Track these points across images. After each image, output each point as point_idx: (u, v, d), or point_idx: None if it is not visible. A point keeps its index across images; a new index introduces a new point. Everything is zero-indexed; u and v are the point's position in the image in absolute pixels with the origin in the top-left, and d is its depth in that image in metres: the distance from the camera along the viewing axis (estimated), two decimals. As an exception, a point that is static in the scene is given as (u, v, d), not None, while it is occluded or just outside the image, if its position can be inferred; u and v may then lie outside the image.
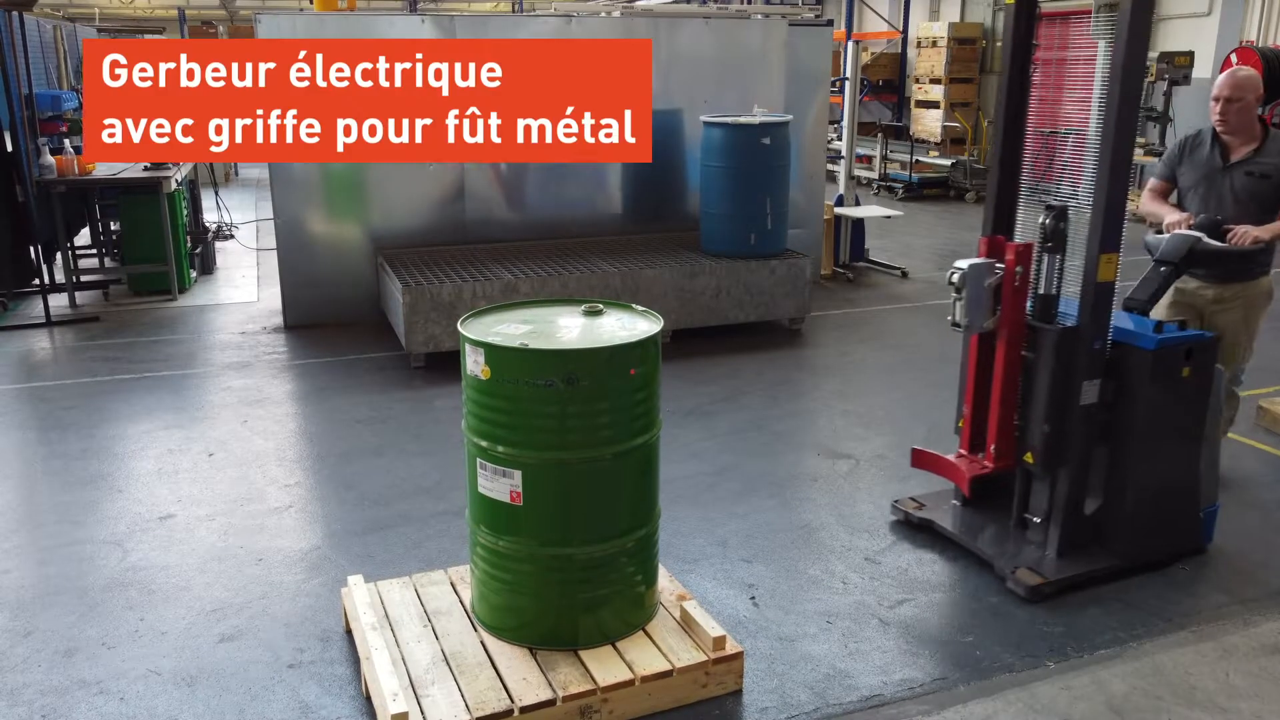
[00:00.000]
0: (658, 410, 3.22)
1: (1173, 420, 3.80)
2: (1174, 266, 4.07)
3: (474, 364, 3.02)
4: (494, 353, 2.98)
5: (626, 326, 3.20)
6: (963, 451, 4.04)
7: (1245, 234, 4.08)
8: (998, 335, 3.79)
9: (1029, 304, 3.80)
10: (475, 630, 3.26)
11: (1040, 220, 3.73)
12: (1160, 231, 4.26)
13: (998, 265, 3.76)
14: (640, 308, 3.35)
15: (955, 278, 3.69)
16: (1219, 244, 4.10)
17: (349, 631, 3.45)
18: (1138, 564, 3.85)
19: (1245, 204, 4.23)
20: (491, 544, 3.16)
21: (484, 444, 3.07)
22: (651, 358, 3.11)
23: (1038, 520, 3.91)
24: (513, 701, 2.91)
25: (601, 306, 3.33)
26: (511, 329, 3.14)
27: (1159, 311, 4.50)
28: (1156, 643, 3.45)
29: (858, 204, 9.69)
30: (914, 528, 4.23)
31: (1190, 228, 4.17)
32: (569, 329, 3.19)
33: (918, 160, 14.25)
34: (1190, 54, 11.49)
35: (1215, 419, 3.94)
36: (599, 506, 3.14)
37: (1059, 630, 3.52)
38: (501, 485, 3.07)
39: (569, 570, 3.14)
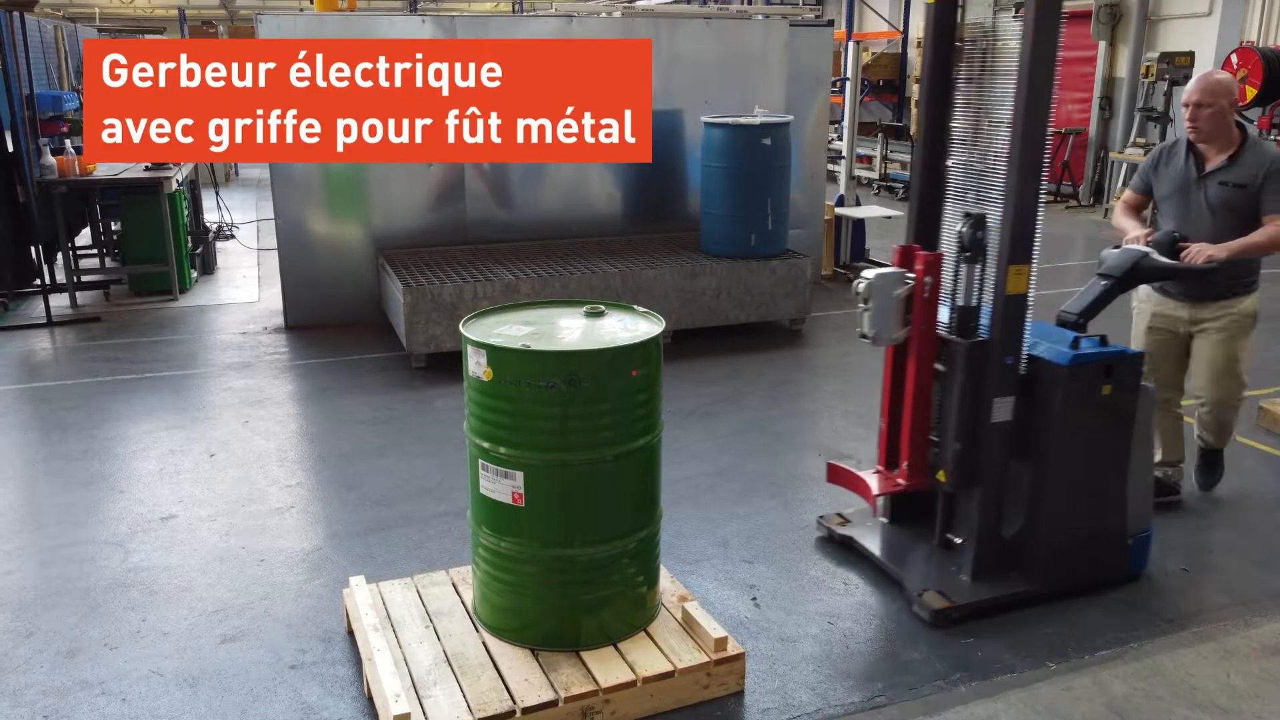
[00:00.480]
0: (659, 412, 3.22)
1: (1093, 442, 3.60)
2: (1116, 281, 3.84)
3: (476, 365, 3.02)
4: (496, 354, 2.98)
5: (628, 328, 3.20)
6: (879, 468, 3.88)
7: (1199, 252, 3.84)
8: (909, 348, 3.64)
9: (948, 316, 3.62)
10: (477, 631, 3.26)
11: (958, 229, 3.54)
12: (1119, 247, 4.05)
13: (908, 275, 3.58)
14: (642, 309, 3.35)
15: (860, 287, 3.55)
16: (1168, 261, 3.88)
17: (351, 632, 3.45)
18: (1056, 591, 3.66)
19: (1220, 216, 3.98)
20: (493, 545, 3.16)
21: (486, 445, 3.08)
22: (653, 359, 3.12)
23: (959, 541, 3.76)
24: (515, 702, 2.91)
25: (603, 308, 3.33)
26: (513, 330, 3.15)
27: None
28: (1157, 643, 3.45)
29: (858, 204, 9.69)
30: (836, 545, 4.09)
31: (1148, 243, 3.95)
32: (571, 330, 3.20)
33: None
34: (1190, 54, 11.50)
35: (1145, 441, 3.73)
36: (601, 508, 3.14)
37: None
38: (503, 486, 3.07)
39: (571, 571, 3.14)
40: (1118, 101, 13.16)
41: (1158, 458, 4.38)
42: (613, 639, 3.20)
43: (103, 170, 8.07)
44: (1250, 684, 3.23)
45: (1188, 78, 11.43)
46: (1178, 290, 4.16)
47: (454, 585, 3.53)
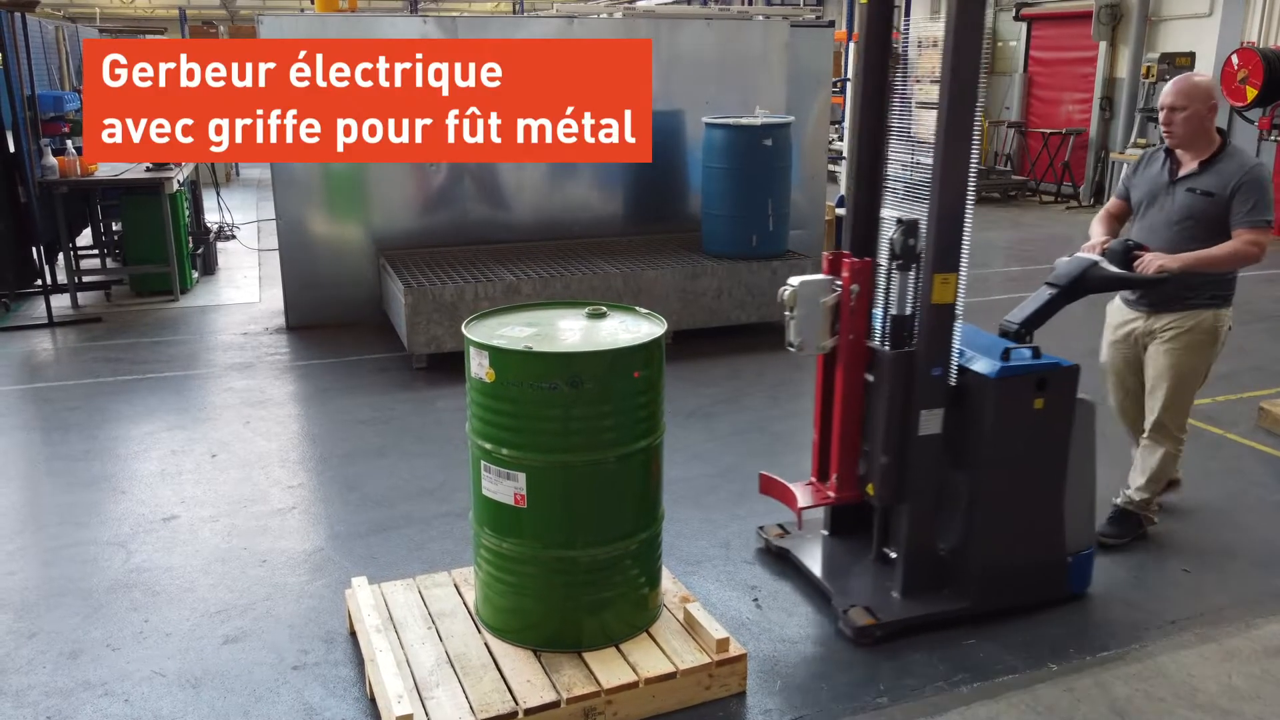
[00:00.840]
0: (662, 413, 3.23)
1: (1026, 457, 3.47)
2: (1060, 290, 3.69)
3: (478, 367, 3.03)
4: (498, 355, 2.98)
5: (630, 329, 3.21)
6: (812, 479, 3.77)
7: (1151, 262, 3.68)
8: (837, 358, 3.56)
9: (881, 325, 3.50)
10: (479, 632, 3.26)
11: (889, 235, 3.41)
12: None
13: (836, 283, 3.51)
14: (643, 310, 3.36)
15: (785, 295, 3.45)
16: (1117, 271, 3.74)
17: (353, 633, 3.45)
18: (989, 610, 3.54)
19: (1181, 223, 3.82)
20: (495, 546, 3.17)
21: (488, 446, 3.08)
22: (655, 361, 3.12)
23: (895, 556, 3.65)
24: (517, 704, 2.91)
25: (605, 309, 3.34)
26: (515, 331, 3.15)
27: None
28: (1159, 645, 3.45)
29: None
30: (774, 557, 4.01)
31: (1103, 251, 3.83)
32: (572, 332, 3.20)
33: (919, 160, 14.24)
34: (1191, 55, 11.51)
35: (1085, 456, 3.58)
36: (603, 509, 3.15)
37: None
38: (505, 488, 3.08)
39: (573, 572, 3.14)
40: (1118, 102, 13.17)
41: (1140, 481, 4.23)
42: (615, 640, 3.20)
43: (104, 171, 8.08)
44: (1251, 685, 3.24)
45: (1188, 78, 11.47)
46: (1137, 298, 4.01)
47: (456, 586, 3.53)
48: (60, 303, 7.71)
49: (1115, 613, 3.64)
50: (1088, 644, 3.45)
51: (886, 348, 3.43)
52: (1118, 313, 4.15)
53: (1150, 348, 3.99)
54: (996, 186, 13.90)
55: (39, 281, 7.64)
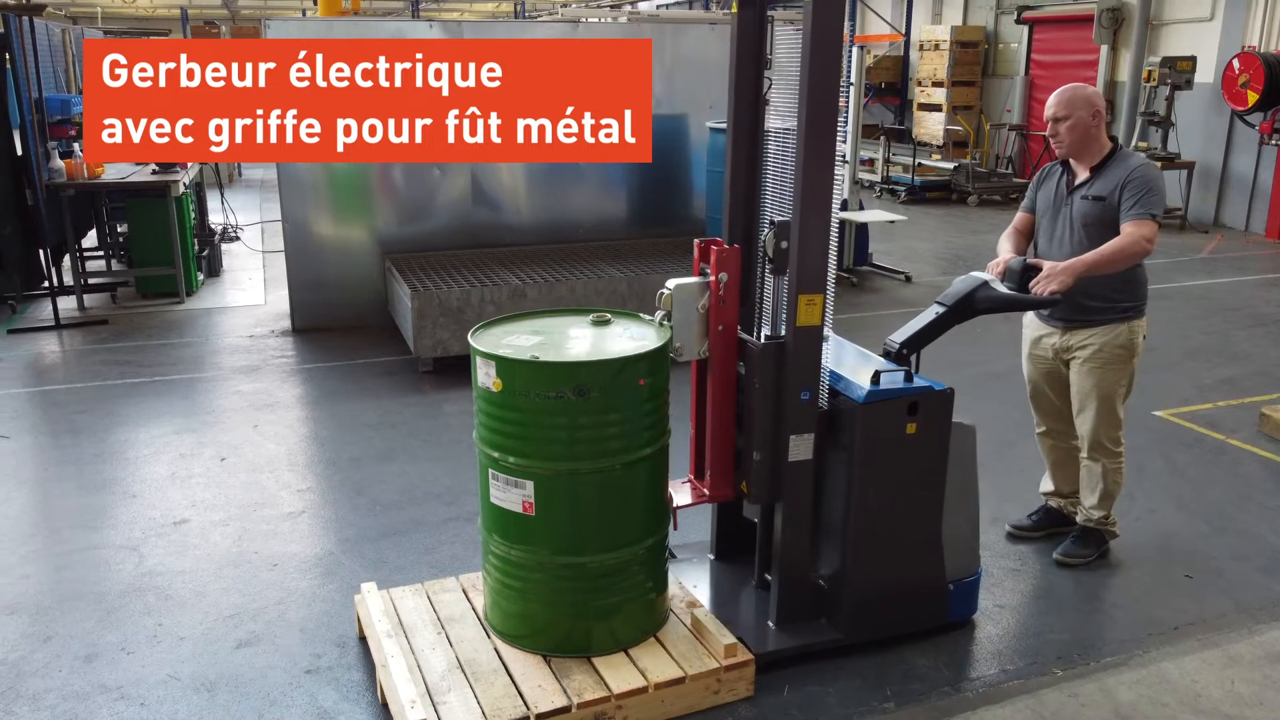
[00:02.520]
0: (667, 419, 3.26)
1: (899, 483, 3.34)
2: (947, 311, 3.60)
3: (485, 376, 3.06)
4: (505, 365, 3.01)
5: (635, 337, 3.24)
6: (689, 477, 3.59)
7: (1044, 285, 3.60)
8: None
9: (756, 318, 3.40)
10: (488, 638, 3.30)
11: (762, 237, 3.27)
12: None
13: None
14: (647, 317, 3.38)
15: (661, 300, 3.26)
16: (1007, 292, 3.65)
17: (363, 638, 3.48)
18: (865, 639, 3.44)
19: (1080, 232, 3.79)
20: (504, 553, 3.20)
21: (495, 455, 3.11)
22: (661, 368, 3.16)
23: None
24: (528, 709, 2.95)
25: (609, 316, 3.36)
26: (521, 340, 3.18)
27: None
28: (1162, 650, 3.49)
29: (861, 208, 9.73)
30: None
31: (1000, 271, 3.74)
32: (579, 340, 3.23)
33: (920, 163, 14.30)
34: (1192, 59, 11.53)
35: (966, 481, 3.50)
36: (611, 515, 3.18)
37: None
38: (514, 496, 3.11)
39: (582, 579, 3.18)
40: (1119, 106, 13.19)
41: (1049, 488, 4.29)
42: (624, 644, 3.24)
43: (110, 173, 8.10)
44: (1254, 691, 3.27)
45: (1190, 82, 11.51)
46: (1050, 314, 3.95)
47: (464, 592, 3.56)
48: (66, 305, 7.74)
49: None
50: (1094, 650, 3.50)
51: (755, 339, 3.29)
52: (1033, 327, 4.11)
53: (1071, 366, 3.95)
54: (998, 189, 13.93)
55: (46, 284, 7.68)
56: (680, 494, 3.48)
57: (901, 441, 3.32)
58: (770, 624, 3.46)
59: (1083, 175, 3.84)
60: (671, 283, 3.28)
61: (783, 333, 3.25)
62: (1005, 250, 3.98)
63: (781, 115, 3.35)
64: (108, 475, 4.89)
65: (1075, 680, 3.33)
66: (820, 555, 3.47)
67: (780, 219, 3.21)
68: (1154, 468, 5.00)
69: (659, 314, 3.28)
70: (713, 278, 3.27)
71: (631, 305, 6.70)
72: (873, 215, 9.57)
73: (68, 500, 4.64)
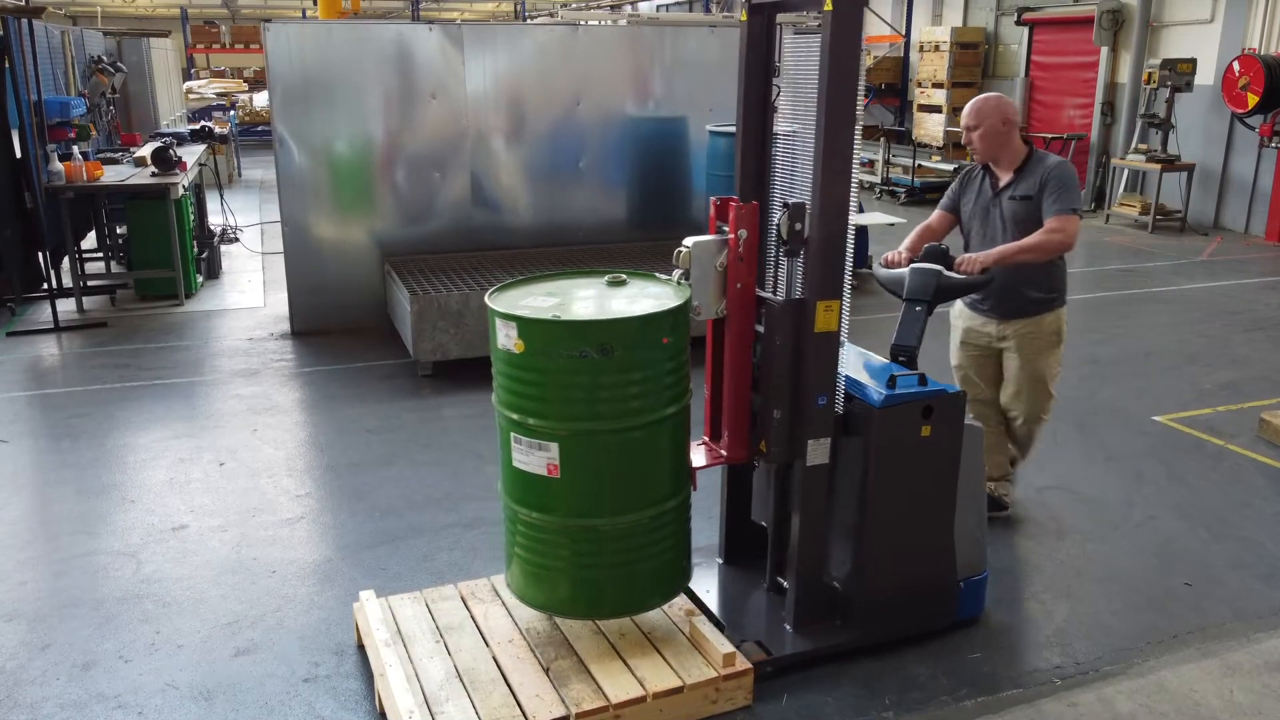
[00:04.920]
0: (689, 379, 3.23)
1: (914, 484, 3.40)
2: (927, 305, 3.74)
3: (506, 338, 3.00)
4: (527, 325, 2.95)
5: (655, 295, 3.21)
6: (704, 439, 3.57)
7: (971, 262, 3.86)
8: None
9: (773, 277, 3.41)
10: (487, 646, 3.29)
11: (775, 220, 3.26)
12: (887, 265, 4.00)
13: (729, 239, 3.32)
14: (664, 276, 3.33)
15: (679, 258, 3.24)
16: (960, 276, 3.85)
17: (362, 646, 3.48)
18: (879, 639, 3.49)
19: (1012, 229, 4.05)
20: (528, 518, 3.15)
21: (516, 417, 3.05)
22: (683, 326, 3.13)
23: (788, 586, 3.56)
24: (526, 718, 2.94)
25: (624, 276, 3.34)
26: (539, 301, 3.14)
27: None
28: (1161, 659, 3.49)
29: (861, 210, 9.72)
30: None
31: (918, 261, 3.88)
32: (599, 299, 3.21)
33: (920, 165, 14.29)
34: (1193, 61, 11.52)
35: (975, 481, 3.59)
36: (635, 476, 3.13)
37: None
38: (537, 458, 3.06)
39: (607, 540, 3.14)
40: (1120, 107, 13.19)
41: None
42: (646, 606, 3.31)
43: (109, 175, 8.10)
44: (1253, 700, 3.27)
45: (1189, 84, 11.50)
46: (987, 306, 4.23)
47: (463, 600, 3.56)
48: (66, 307, 7.74)
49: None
50: (1092, 659, 3.49)
51: (773, 298, 3.29)
52: (965, 318, 4.37)
53: (1005, 355, 4.28)
54: (998, 191, 13.92)
55: (45, 286, 7.68)
56: (696, 455, 3.45)
57: (916, 444, 3.36)
58: (787, 627, 3.48)
59: (1006, 177, 4.12)
60: (689, 240, 3.26)
61: (799, 294, 3.27)
62: (906, 244, 4.14)
63: (789, 120, 3.37)
64: (106, 480, 4.89)
65: (1074, 690, 3.32)
66: (834, 557, 3.50)
67: (793, 200, 3.22)
68: (1153, 474, 5.00)
69: (676, 272, 3.26)
70: (731, 235, 3.25)
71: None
72: (872, 218, 9.56)
73: (66, 505, 4.63)
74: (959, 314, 4.43)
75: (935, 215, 4.36)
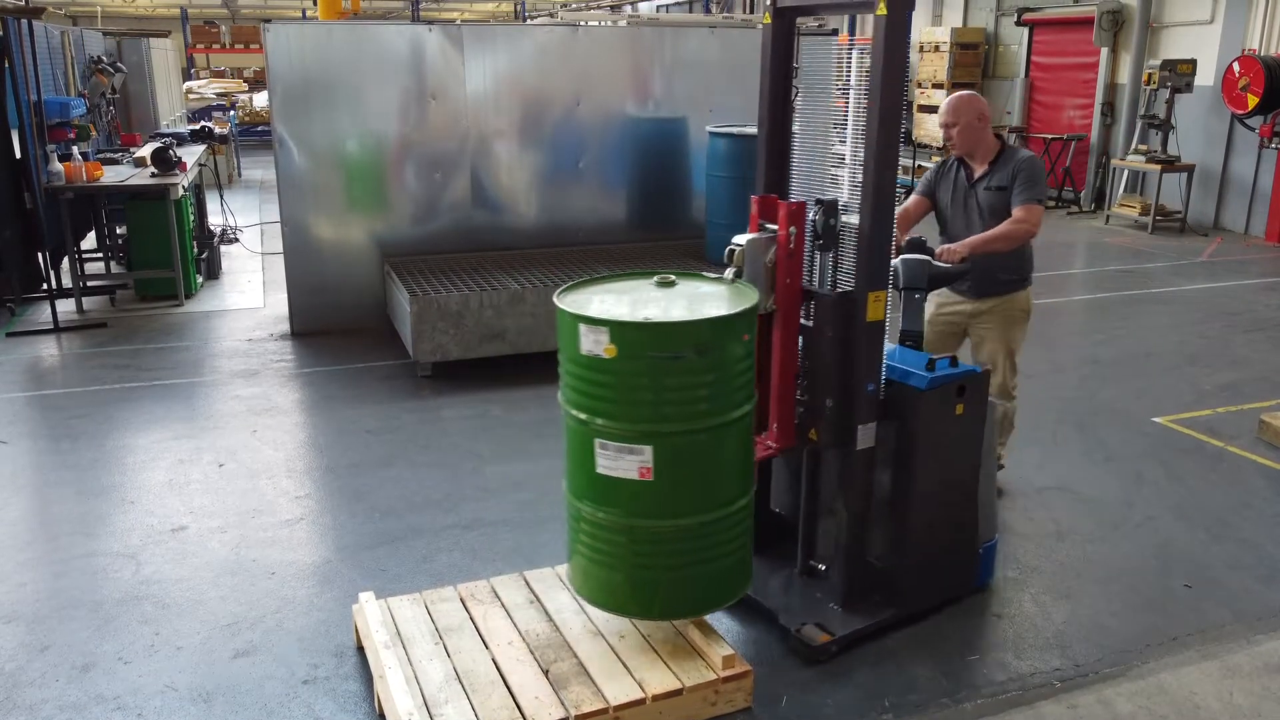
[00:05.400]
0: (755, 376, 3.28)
1: (949, 460, 3.61)
2: (925, 293, 4.05)
3: (594, 344, 2.97)
4: (620, 329, 2.95)
5: (714, 295, 3.25)
6: None
7: (951, 252, 4.14)
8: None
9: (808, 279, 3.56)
10: (486, 648, 3.29)
11: (810, 216, 3.41)
12: None
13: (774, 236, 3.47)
14: (711, 274, 3.39)
15: (734, 254, 3.34)
16: (946, 265, 4.11)
17: (361, 648, 3.48)
18: (916, 610, 3.68)
19: (988, 218, 4.33)
20: (615, 523, 3.13)
21: (601, 423, 3.03)
22: (754, 323, 3.18)
23: (823, 568, 3.74)
24: (526, 720, 2.95)
25: (673, 277, 3.35)
26: (607, 306, 3.15)
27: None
28: (1161, 661, 3.49)
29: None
30: None
31: (905, 253, 4.05)
32: (664, 301, 3.21)
33: (920, 165, 14.29)
34: (1193, 62, 11.52)
35: (990, 453, 3.80)
36: (720, 473, 3.17)
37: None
38: (628, 463, 3.04)
39: (696, 539, 3.16)
40: (1120, 108, 13.19)
41: None
42: (736, 597, 3.36)
43: (109, 176, 8.10)
44: (1252, 702, 3.27)
45: (1189, 85, 11.50)
46: (965, 287, 4.49)
47: (462, 601, 3.56)
48: (65, 307, 7.73)
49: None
50: (1092, 661, 3.49)
51: (829, 290, 3.44)
52: (940, 296, 4.59)
53: (976, 328, 4.58)
54: (998, 191, 13.92)
55: (44, 286, 7.67)
56: None
57: (953, 422, 3.57)
58: (834, 606, 3.61)
59: (981, 169, 4.40)
60: (742, 238, 3.38)
61: (833, 287, 3.46)
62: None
63: (806, 119, 3.57)
64: (106, 481, 4.89)
65: (1073, 691, 3.32)
66: (875, 536, 3.63)
67: (825, 198, 3.39)
68: (1152, 475, 5.00)
69: (729, 271, 3.33)
70: (782, 232, 3.37)
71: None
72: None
73: (65, 507, 4.63)
74: (933, 292, 4.58)
75: (912, 200, 4.60)
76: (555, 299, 3.18)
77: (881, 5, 3.14)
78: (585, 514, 3.20)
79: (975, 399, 3.60)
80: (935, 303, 4.59)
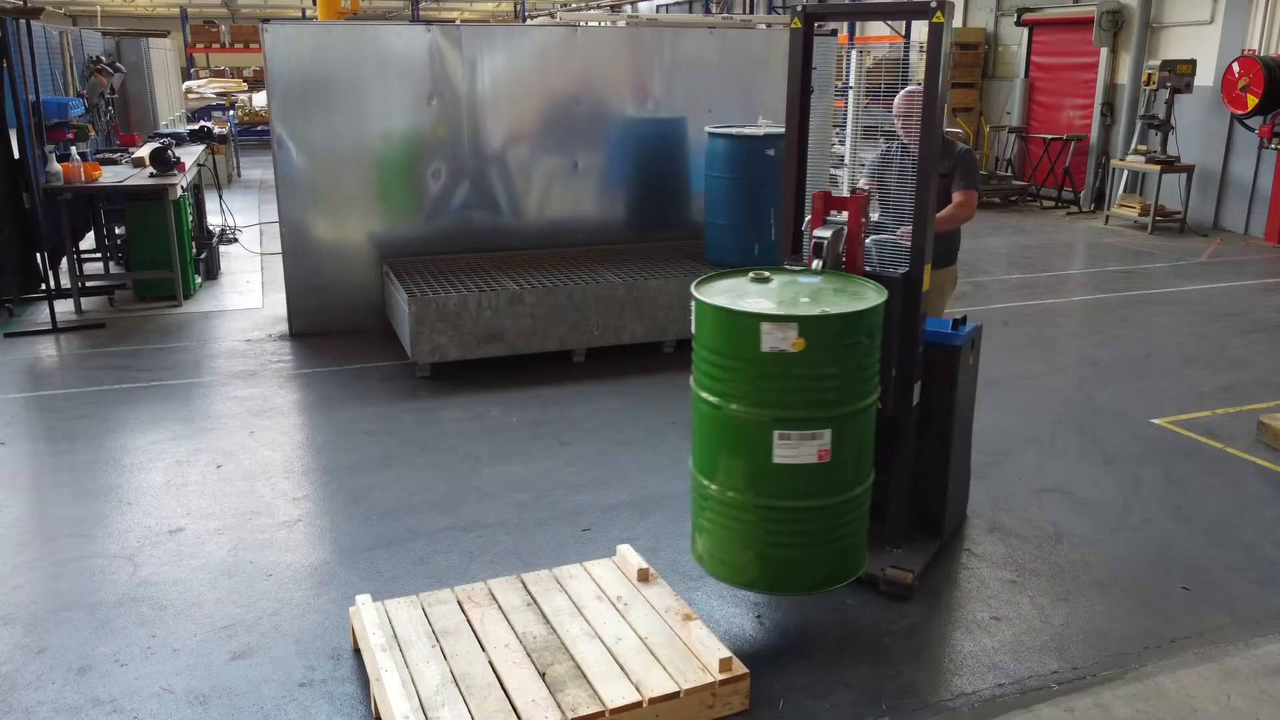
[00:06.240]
0: None
1: (967, 405, 4.23)
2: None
3: (780, 340, 3.19)
4: (809, 323, 3.22)
5: (826, 285, 3.58)
6: None
7: (909, 233, 4.38)
8: None
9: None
10: (483, 651, 3.29)
11: (821, 237, 3.78)
12: None
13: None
14: (796, 267, 3.79)
15: (819, 250, 3.74)
16: (907, 244, 4.33)
17: (357, 650, 3.48)
18: (946, 541, 4.25)
19: (938, 199, 4.58)
20: (792, 506, 3.38)
21: (785, 414, 3.28)
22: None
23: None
24: (523, 723, 2.94)
25: (767, 273, 3.64)
26: (751, 304, 3.35)
27: None
28: (1159, 664, 3.48)
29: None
30: None
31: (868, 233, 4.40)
32: (796, 293, 3.50)
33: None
34: (1192, 62, 11.51)
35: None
36: (869, 444, 3.55)
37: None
38: (808, 449, 3.30)
39: (854, 510, 3.49)
40: (1119, 108, 13.18)
41: None
42: (857, 573, 3.63)
43: (108, 176, 8.09)
44: (1250, 705, 3.27)
45: (1189, 85, 11.49)
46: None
47: (459, 604, 3.55)
48: (64, 308, 7.74)
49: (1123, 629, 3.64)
50: (1090, 664, 3.49)
51: (895, 271, 3.85)
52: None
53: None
54: (997, 191, 13.91)
55: (43, 287, 7.67)
56: None
57: (970, 370, 4.16)
58: (895, 549, 4.03)
59: None
60: (824, 231, 3.77)
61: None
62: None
63: (819, 115, 4.07)
64: (103, 482, 4.88)
65: (1071, 695, 3.32)
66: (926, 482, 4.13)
67: (835, 222, 3.80)
68: (1151, 477, 4.99)
69: (816, 262, 3.73)
70: (852, 220, 3.77)
71: (629, 311, 6.71)
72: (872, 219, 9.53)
73: (63, 508, 4.63)
74: None
75: (864, 184, 4.86)
76: (728, 304, 3.34)
77: (939, 14, 3.58)
78: (756, 505, 3.42)
79: (976, 351, 4.22)
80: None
